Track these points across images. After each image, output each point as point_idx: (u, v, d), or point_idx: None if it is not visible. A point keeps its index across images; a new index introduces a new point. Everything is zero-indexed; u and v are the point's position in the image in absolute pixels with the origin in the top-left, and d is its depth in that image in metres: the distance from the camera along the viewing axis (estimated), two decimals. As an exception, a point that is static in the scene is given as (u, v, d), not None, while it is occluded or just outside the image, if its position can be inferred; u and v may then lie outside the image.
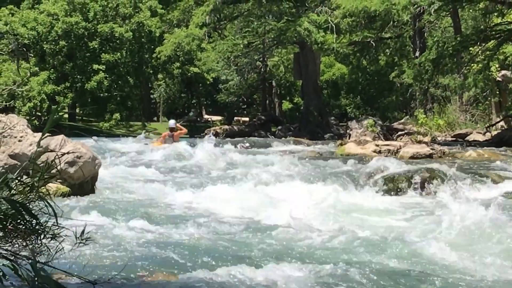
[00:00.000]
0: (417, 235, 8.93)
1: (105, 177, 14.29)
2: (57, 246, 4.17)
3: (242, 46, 43.27)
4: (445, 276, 6.87)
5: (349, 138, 28.89)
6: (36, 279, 3.94)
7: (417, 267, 7.25)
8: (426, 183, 14.80)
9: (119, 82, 55.89)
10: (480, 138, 28.19)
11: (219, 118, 62.88)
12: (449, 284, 6.61)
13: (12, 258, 4.09)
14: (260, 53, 49.13)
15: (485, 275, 7.00)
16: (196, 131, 48.85)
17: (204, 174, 16.31)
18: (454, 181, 14.94)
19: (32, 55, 53.29)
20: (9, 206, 3.92)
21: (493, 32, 27.01)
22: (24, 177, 4.17)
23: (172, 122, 26.52)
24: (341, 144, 24.41)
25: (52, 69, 52.51)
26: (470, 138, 28.58)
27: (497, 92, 32.12)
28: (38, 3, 55.35)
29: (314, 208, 11.13)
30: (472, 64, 29.09)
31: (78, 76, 53.12)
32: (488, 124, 30.96)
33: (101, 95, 54.10)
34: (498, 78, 30.99)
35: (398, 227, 9.72)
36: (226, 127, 45.15)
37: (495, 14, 29.42)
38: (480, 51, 27.75)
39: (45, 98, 49.55)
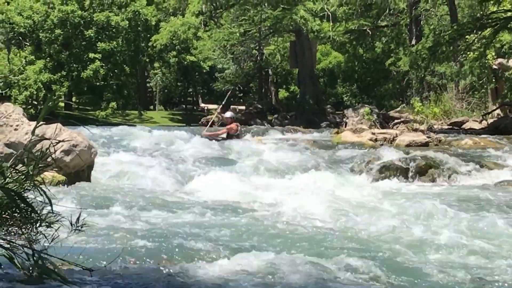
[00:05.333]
0: (413, 223, 8.95)
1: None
2: (53, 234, 4.17)
3: (238, 34, 43.26)
4: (436, 265, 6.89)
5: (345, 126, 28.93)
6: (34, 268, 3.95)
7: (413, 256, 7.26)
8: (422, 171, 14.83)
9: (115, 70, 55.83)
10: (476, 126, 28.20)
11: (215, 106, 62.83)
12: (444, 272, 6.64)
13: (8, 246, 4.09)
14: (256, 41, 49.08)
15: (474, 262, 7.02)
16: (192, 119, 48.81)
17: (201, 162, 16.30)
18: (450, 169, 14.98)
19: (28, 44, 53.16)
20: (4, 195, 3.92)
21: (490, 20, 26.95)
22: (20, 165, 4.17)
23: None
24: (337, 133, 24.40)
25: (48, 58, 52.38)
26: (466, 126, 28.59)
27: (493, 80, 32.12)
28: (34, -8, 55.21)
29: (310, 196, 11.14)
30: (469, 52, 29.05)
31: (74, 65, 53.00)
32: (484, 112, 30.96)
33: (97, 84, 54.03)
34: (494, 66, 30.97)
35: (394, 215, 9.73)
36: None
37: (491, 2, 29.34)
38: (476, 39, 27.68)
39: (41, 86, 49.43)
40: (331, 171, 15.06)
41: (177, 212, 9.66)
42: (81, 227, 4.27)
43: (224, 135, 22.30)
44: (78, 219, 4.27)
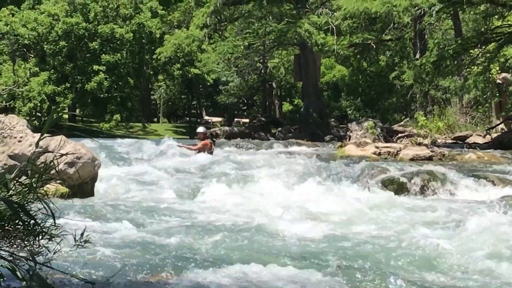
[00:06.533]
0: (412, 237, 8.92)
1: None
2: (56, 247, 4.16)
3: (242, 47, 43.28)
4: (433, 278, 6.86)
5: (349, 140, 28.90)
6: (30, 281, 3.93)
7: (410, 268, 7.24)
8: (425, 185, 14.79)
9: (119, 83, 55.89)
10: (480, 140, 28.18)
11: (219, 119, 62.93)
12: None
13: (10, 258, 4.08)
14: (261, 54, 49.17)
15: (476, 276, 6.99)
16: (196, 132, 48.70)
17: (202, 176, 16.29)
18: (454, 183, 14.93)
19: (33, 56, 53.28)
20: (7, 207, 3.91)
21: (494, 35, 26.97)
22: (23, 177, 4.16)
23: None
24: (341, 146, 24.37)
25: (52, 70, 52.50)
26: (470, 140, 28.57)
27: (497, 95, 32.14)
28: (39, 4, 55.38)
29: (311, 210, 11.12)
30: (473, 66, 29.05)
31: (78, 77, 53.11)
32: (488, 127, 30.95)
33: (101, 96, 54.07)
34: (498, 81, 30.99)
35: (395, 229, 9.70)
36: (226, 128, 45.11)
37: (496, 16, 29.42)
38: (480, 54, 27.70)
39: (45, 98, 49.54)
40: (334, 184, 15.02)
41: (180, 225, 9.64)
42: (84, 243, 4.26)
43: (195, 152, 21.42)
44: (82, 234, 4.26)
